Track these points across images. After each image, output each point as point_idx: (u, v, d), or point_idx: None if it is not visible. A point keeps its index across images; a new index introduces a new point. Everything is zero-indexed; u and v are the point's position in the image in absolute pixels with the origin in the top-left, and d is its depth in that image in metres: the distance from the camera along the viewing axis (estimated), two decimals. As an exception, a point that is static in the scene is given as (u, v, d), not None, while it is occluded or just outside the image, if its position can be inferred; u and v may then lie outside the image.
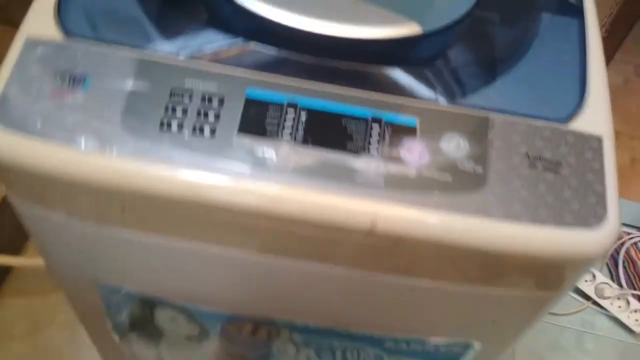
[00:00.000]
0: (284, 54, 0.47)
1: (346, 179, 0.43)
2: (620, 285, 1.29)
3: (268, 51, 0.47)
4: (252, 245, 0.47)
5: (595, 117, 0.48)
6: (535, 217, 0.43)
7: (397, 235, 0.42)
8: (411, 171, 0.43)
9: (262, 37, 0.47)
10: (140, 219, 0.46)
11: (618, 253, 1.33)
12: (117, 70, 0.45)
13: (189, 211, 0.44)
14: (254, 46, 0.47)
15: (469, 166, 0.44)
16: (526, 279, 0.47)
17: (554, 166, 0.45)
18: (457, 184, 0.43)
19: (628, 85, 2.09)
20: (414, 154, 0.44)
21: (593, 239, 0.43)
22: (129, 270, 0.55)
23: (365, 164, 0.43)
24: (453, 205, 0.43)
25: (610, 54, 1.23)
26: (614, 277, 1.32)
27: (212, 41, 0.47)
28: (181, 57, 0.46)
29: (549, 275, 0.47)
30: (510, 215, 0.43)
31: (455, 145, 0.45)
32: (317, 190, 0.42)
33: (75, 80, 0.45)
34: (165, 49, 0.47)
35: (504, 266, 0.45)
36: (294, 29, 0.47)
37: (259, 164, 0.42)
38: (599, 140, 0.47)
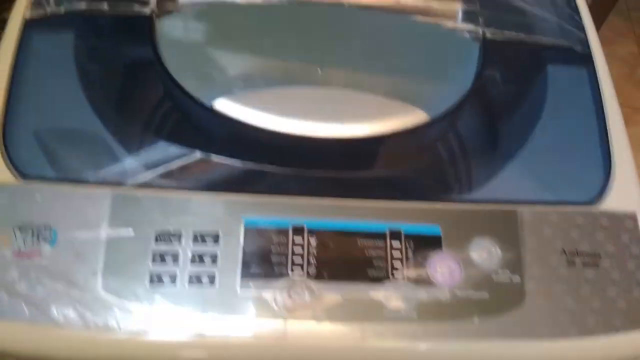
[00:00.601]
0: (279, 169, 0.41)
1: (374, 316, 0.37)
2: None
3: (260, 168, 0.41)
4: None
5: (625, 191, 0.44)
6: (583, 328, 0.39)
7: (439, 373, 0.37)
8: (444, 294, 0.38)
9: (252, 152, 0.41)
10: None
11: None
12: (89, 215, 0.38)
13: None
14: (245, 163, 0.41)
15: (504, 276, 0.39)
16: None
17: (593, 259, 0.41)
18: (496, 301, 0.39)
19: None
20: (444, 271, 0.39)
21: (646, 343, 0.39)
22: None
23: (392, 293, 0.38)
24: (495, 330, 0.38)
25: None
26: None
27: (194, 162, 0.41)
28: (161, 187, 0.40)
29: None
30: (557, 331, 0.38)
31: (487, 253, 0.40)
32: (344, 336, 0.37)
33: (40, 235, 0.38)
34: (141, 177, 0.40)
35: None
36: (289, 136, 0.41)
37: (271, 313, 0.37)
38: (633, 218, 0.43)
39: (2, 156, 0.40)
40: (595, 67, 0.49)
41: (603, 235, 0.42)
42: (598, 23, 1.22)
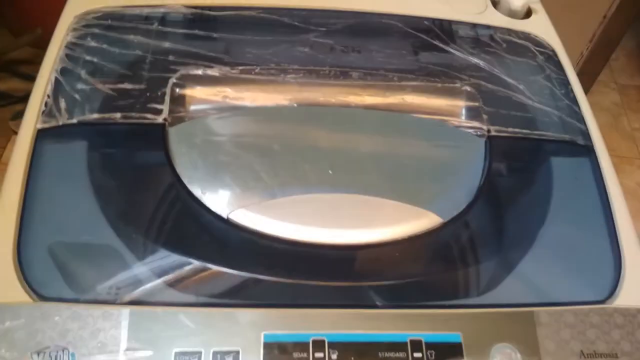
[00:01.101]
0: (297, 281, 0.41)
1: None
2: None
3: (279, 280, 0.41)
4: None
5: (637, 286, 0.44)
6: None
7: None
8: (467, 404, 0.38)
9: (269, 264, 0.41)
10: None
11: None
12: (107, 336, 0.38)
13: None
14: (263, 277, 0.41)
15: (527, 385, 0.39)
16: None
17: (610, 360, 0.41)
18: (520, 413, 0.38)
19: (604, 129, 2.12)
20: (466, 381, 0.39)
21: None
22: None
23: (417, 410, 0.38)
24: None
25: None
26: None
27: (212, 277, 0.41)
28: (179, 305, 0.39)
29: None
30: None
31: (507, 359, 0.40)
32: None
33: (58, 358, 0.37)
34: (158, 294, 0.40)
35: None
36: (307, 245, 0.41)
37: None
38: (646, 313, 0.43)
39: (18, 277, 0.39)
40: (598, 158, 0.51)
41: (618, 333, 0.42)
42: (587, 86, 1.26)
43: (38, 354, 0.37)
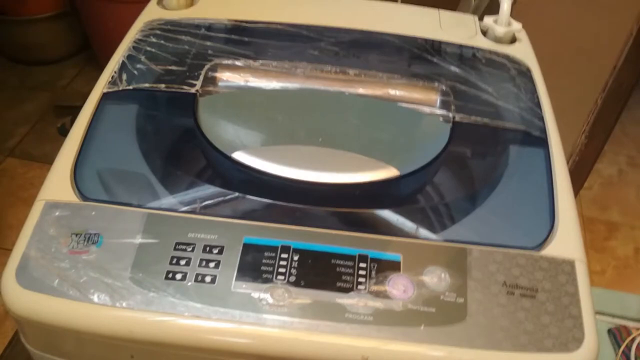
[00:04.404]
0: (277, 203, 0.52)
1: (337, 316, 0.46)
2: (636, 382, 1.27)
3: (262, 201, 0.52)
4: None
5: (566, 242, 0.52)
6: (517, 345, 0.46)
7: (388, 369, 0.45)
8: (398, 305, 0.47)
9: (257, 190, 0.53)
10: (148, 364, 0.50)
11: (629, 349, 1.32)
12: (127, 227, 0.50)
13: (193, 356, 0.47)
14: (251, 198, 0.53)
15: (451, 297, 0.48)
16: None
17: (530, 292, 0.49)
18: (441, 315, 0.47)
19: (622, 176, 2.14)
20: (399, 288, 0.48)
21: (573, 362, 0.46)
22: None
23: (355, 301, 0.47)
24: (438, 338, 0.46)
25: (593, 157, 1.29)
26: (629, 375, 1.30)
27: (212, 196, 0.53)
28: (185, 212, 0.52)
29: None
30: (493, 344, 0.46)
31: (437, 278, 0.49)
32: (311, 329, 0.46)
33: (90, 239, 0.50)
34: (171, 205, 0.52)
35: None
36: (286, 179, 0.52)
37: (256, 308, 0.46)
38: (571, 264, 0.50)
39: (71, 183, 0.53)
40: (550, 145, 0.60)
41: (542, 275, 0.50)
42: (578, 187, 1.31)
43: (76, 235, 0.50)
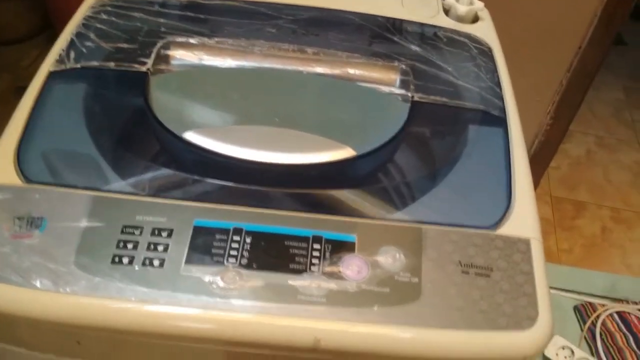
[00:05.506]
0: (229, 184, 0.51)
1: (289, 298, 0.45)
2: (600, 359, 1.29)
3: (214, 182, 0.51)
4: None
5: (522, 221, 0.52)
6: (471, 324, 0.45)
7: (340, 350, 0.44)
8: (351, 286, 0.46)
9: (209, 171, 0.51)
10: (95, 349, 0.48)
11: (595, 326, 1.34)
12: (72, 211, 0.48)
13: (141, 341, 0.45)
14: (202, 180, 0.51)
15: (405, 277, 0.47)
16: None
17: (485, 271, 0.48)
18: (395, 295, 0.46)
19: (590, 156, 2.17)
20: (354, 269, 0.47)
21: (527, 340, 0.46)
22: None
23: (307, 283, 0.46)
24: (392, 318, 0.45)
25: (559, 138, 1.30)
26: (593, 351, 1.32)
27: (162, 178, 0.51)
28: (133, 195, 0.50)
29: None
30: (447, 323, 0.45)
31: (392, 258, 0.48)
32: (262, 312, 0.45)
33: (33, 223, 0.48)
34: (119, 187, 0.50)
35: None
36: (239, 160, 0.51)
37: (205, 291, 0.45)
38: (526, 242, 0.50)
39: (14, 165, 0.51)
40: (509, 125, 0.59)
41: (497, 254, 0.49)
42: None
43: (19, 219, 0.48)
